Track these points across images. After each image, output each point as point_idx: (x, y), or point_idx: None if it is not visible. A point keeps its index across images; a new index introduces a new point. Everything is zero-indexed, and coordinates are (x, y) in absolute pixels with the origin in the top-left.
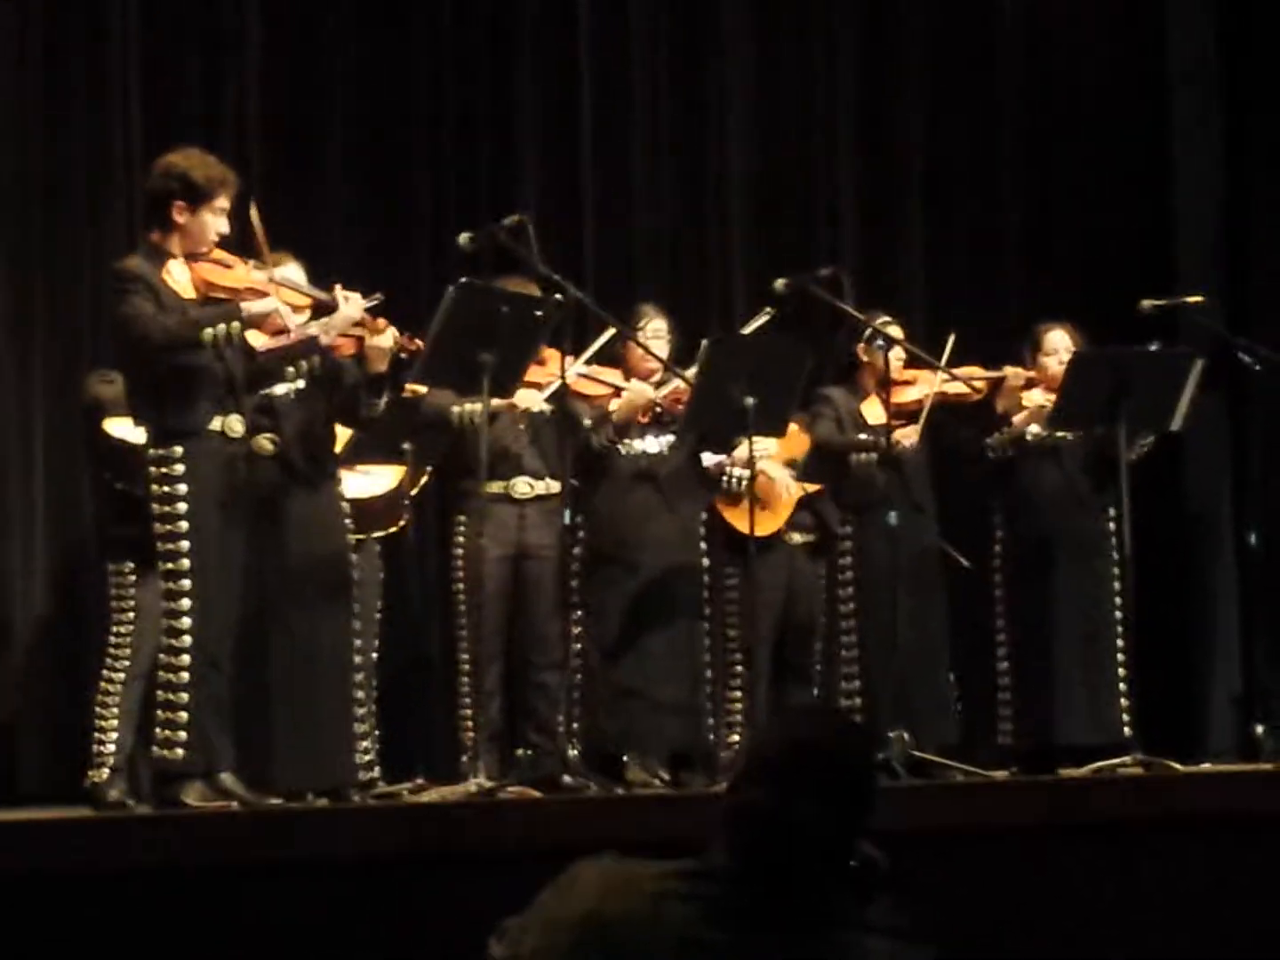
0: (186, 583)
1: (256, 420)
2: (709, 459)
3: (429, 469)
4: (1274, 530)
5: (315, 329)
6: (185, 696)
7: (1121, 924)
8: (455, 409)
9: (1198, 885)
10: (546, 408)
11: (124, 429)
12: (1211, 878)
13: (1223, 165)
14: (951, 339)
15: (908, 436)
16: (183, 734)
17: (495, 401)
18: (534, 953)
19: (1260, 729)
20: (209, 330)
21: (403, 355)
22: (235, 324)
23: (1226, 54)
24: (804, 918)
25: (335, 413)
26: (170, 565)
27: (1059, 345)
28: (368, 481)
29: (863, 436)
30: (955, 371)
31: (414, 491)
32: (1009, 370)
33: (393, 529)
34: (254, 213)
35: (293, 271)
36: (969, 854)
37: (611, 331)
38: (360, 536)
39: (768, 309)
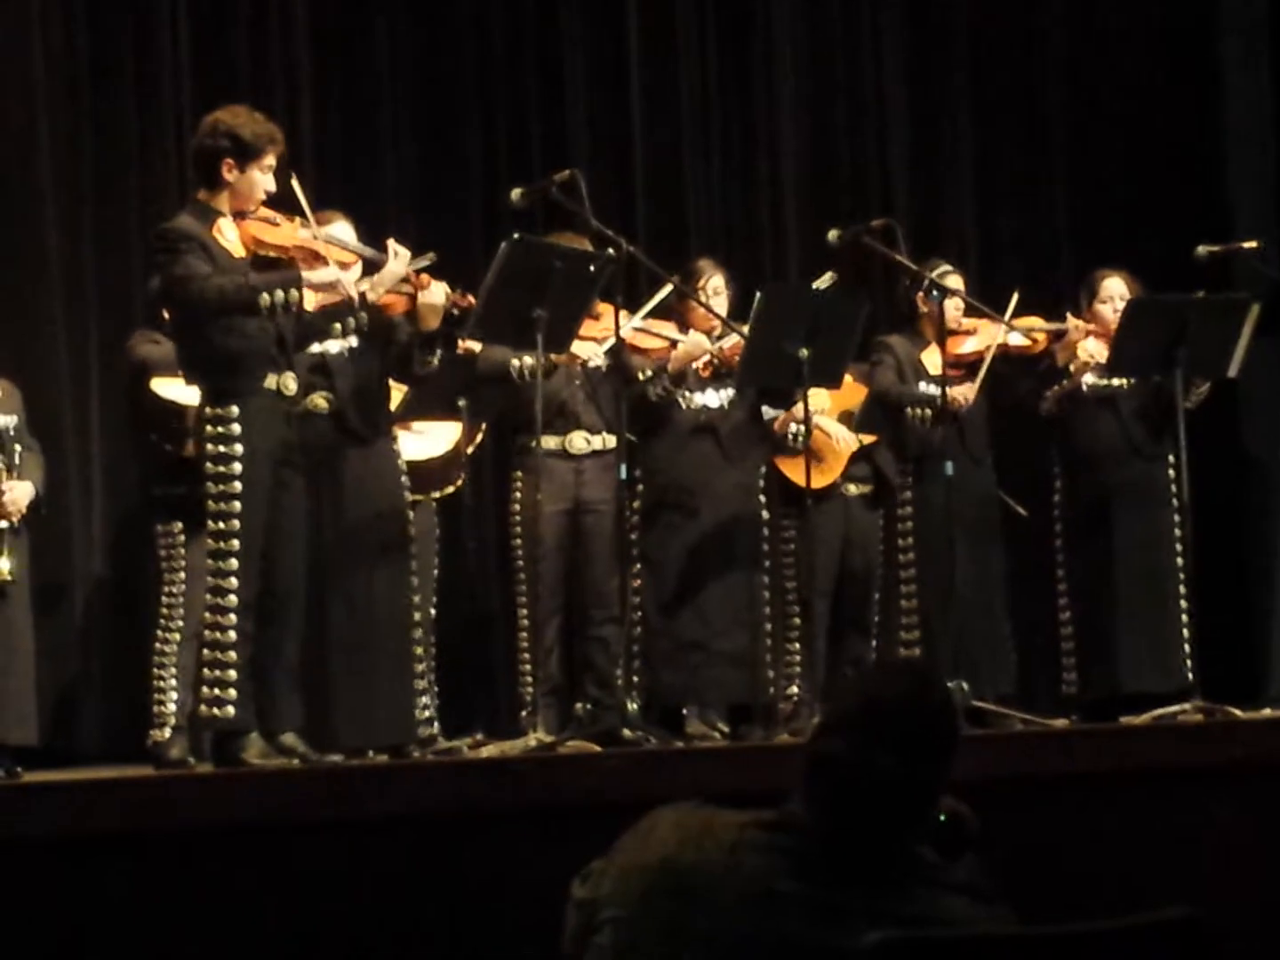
0: (235, 543)
1: (311, 379)
2: (769, 413)
3: (484, 427)
4: None
5: (363, 285)
6: (234, 655)
7: (1184, 873)
8: (515, 362)
9: (1261, 832)
10: (604, 361)
11: (171, 389)
12: (1275, 825)
13: (1275, 108)
14: (1015, 296)
15: (963, 394)
16: (232, 691)
17: (551, 356)
18: (611, 895)
19: None
20: (266, 296)
21: (454, 312)
22: (294, 291)
23: None
24: (880, 872)
25: (389, 370)
26: (220, 525)
27: (1115, 292)
28: (424, 443)
29: (923, 385)
30: (1016, 323)
31: (470, 450)
32: (1071, 322)
33: (449, 490)
34: (295, 182)
35: (341, 229)
36: (1030, 803)
37: (669, 288)
38: (417, 498)
39: (829, 274)
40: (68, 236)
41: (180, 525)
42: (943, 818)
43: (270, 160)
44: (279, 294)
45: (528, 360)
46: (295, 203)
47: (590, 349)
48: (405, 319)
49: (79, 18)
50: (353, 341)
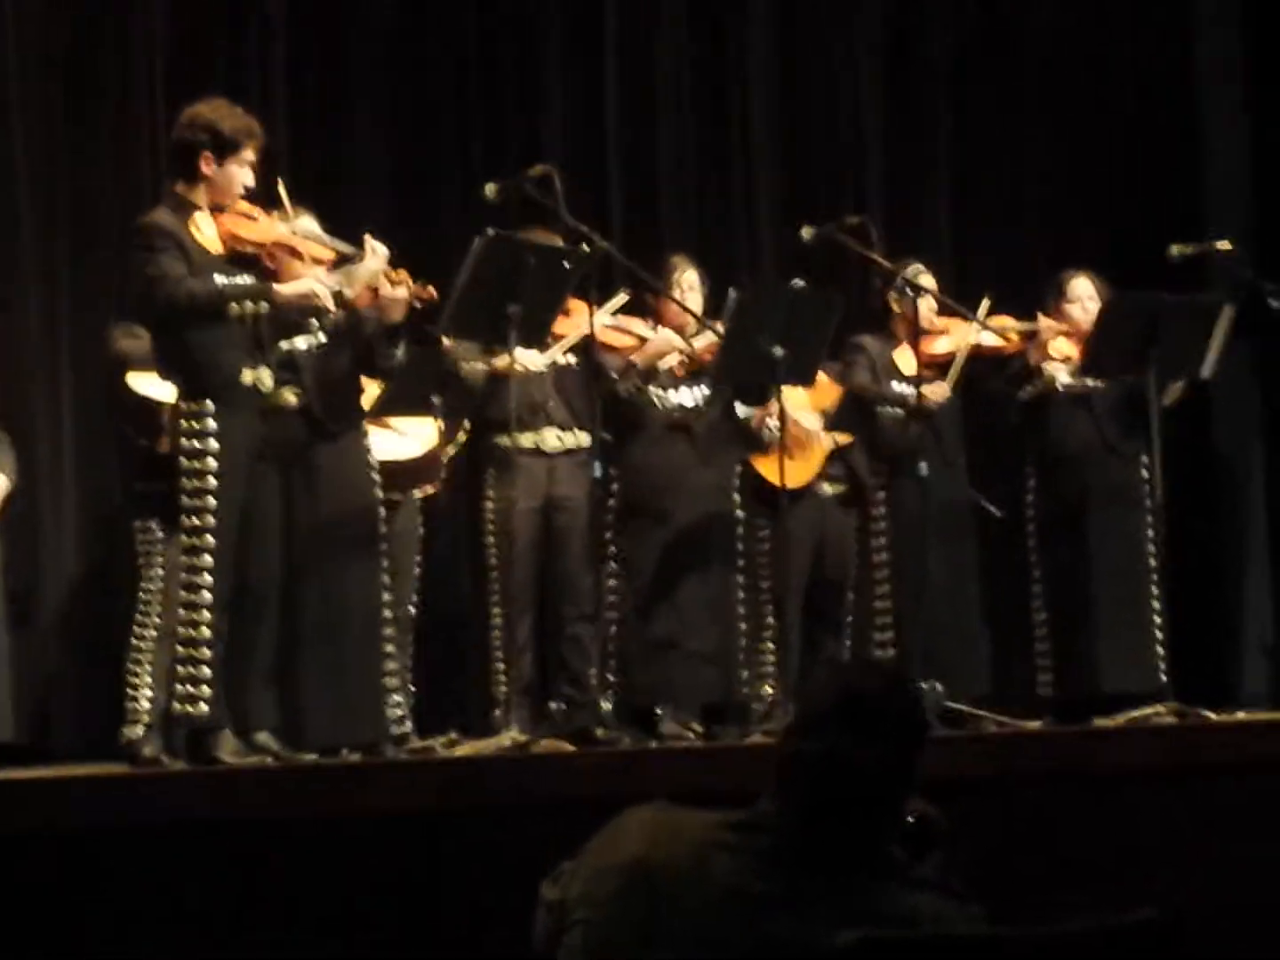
0: (210, 539)
1: (280, 374)
2: (743, 411)
3: (465, 428)
4: None
5: (338, 281)
6: (207, 653)
7: (1156, 874)
8: (464, 365)
9: (1232, 834)
10: (562, 360)
11: (147, 384)
12: (1246, 826)
13: (1249, 109)
14: (986, 303)
15: (936, 393)
16: (206, 689)
17: (497, 362)
18: (581, 897)
19: None
20: (235, 306)
21: (417, 305)
22: (264, 303)
23: None
24: (851, 871)
25: (355, 364)
26: (195, 521)
27: (1082, 293)
28: (403, 443)
29: (896, 385)
30: (988, 322)
31: (450, 450)
32: (1043, 321)
33: (429, 490)
34: (280, 186)
35: (308, 223)
36: (1003, 803)
37: (628, 292)
38: (396, 498)
39: (797, 280)
40: (41, 229)
41: (158, 522)
42: (911, 818)
43: (249, 154)
44: (248, 304)
45: (478, 366)
46: (275, 196)
47: (532, 356)
48: (370, 313)
49: (55, 10)
50: (321, 337)
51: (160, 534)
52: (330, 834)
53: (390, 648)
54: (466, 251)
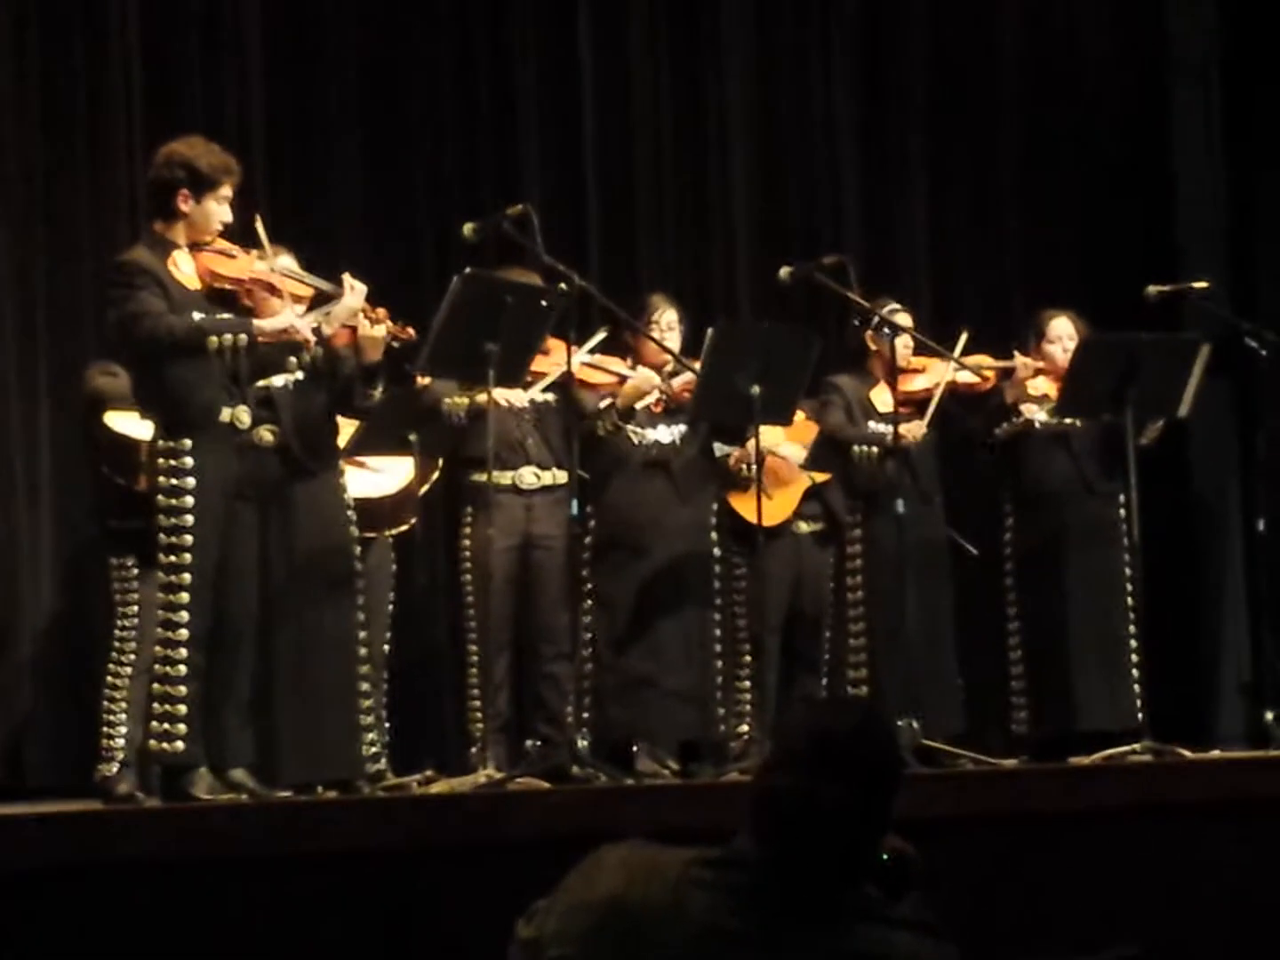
0: (186, 576)
1: (256, 412)
2: (720, 450)
3: (439, 466)
4: None
5: (317, 319)
6: (183, 690)
7: (1132, 912)
8: (446, 401)
9: (1208, 873)
10: (540, 398)
11: (125, 423)
12: (1222, 865)
13: (1225, 149)
14: (964, 336)
15: (913, 431)
16: (182, 726)
17: (480, 398)
18: (555, 935)
19: (1270, 716)
20: (214, 340)
21: (395, 344)
22: (243, 336)
23: (1227, 36)
24: (828, 909)
25: (333, 403)
26: (171, 559)
27: (1062, 333)
28: (378, 480)
29: (872, 424)
30: (965, 360)
31: (424, 489)
32: (1019, 360)
33: (402, 528)
34: (259, 221)
35: (286, 261)
36: (979, 842)
37: (602, 334)
38: (371, 535)
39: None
40: (18, 267)
41: (134, 559)
42: (887, 857)
43: (226, 191)
44: (227, 338)
45: (458, 400)
46: (253, 234)
47: (515, 394)
48: (348, 352)
49: (29, 45)
50: (298, 375)
51: (136, 571)
52: (305, 871)
53: (366, 685)
54: (445, 290)
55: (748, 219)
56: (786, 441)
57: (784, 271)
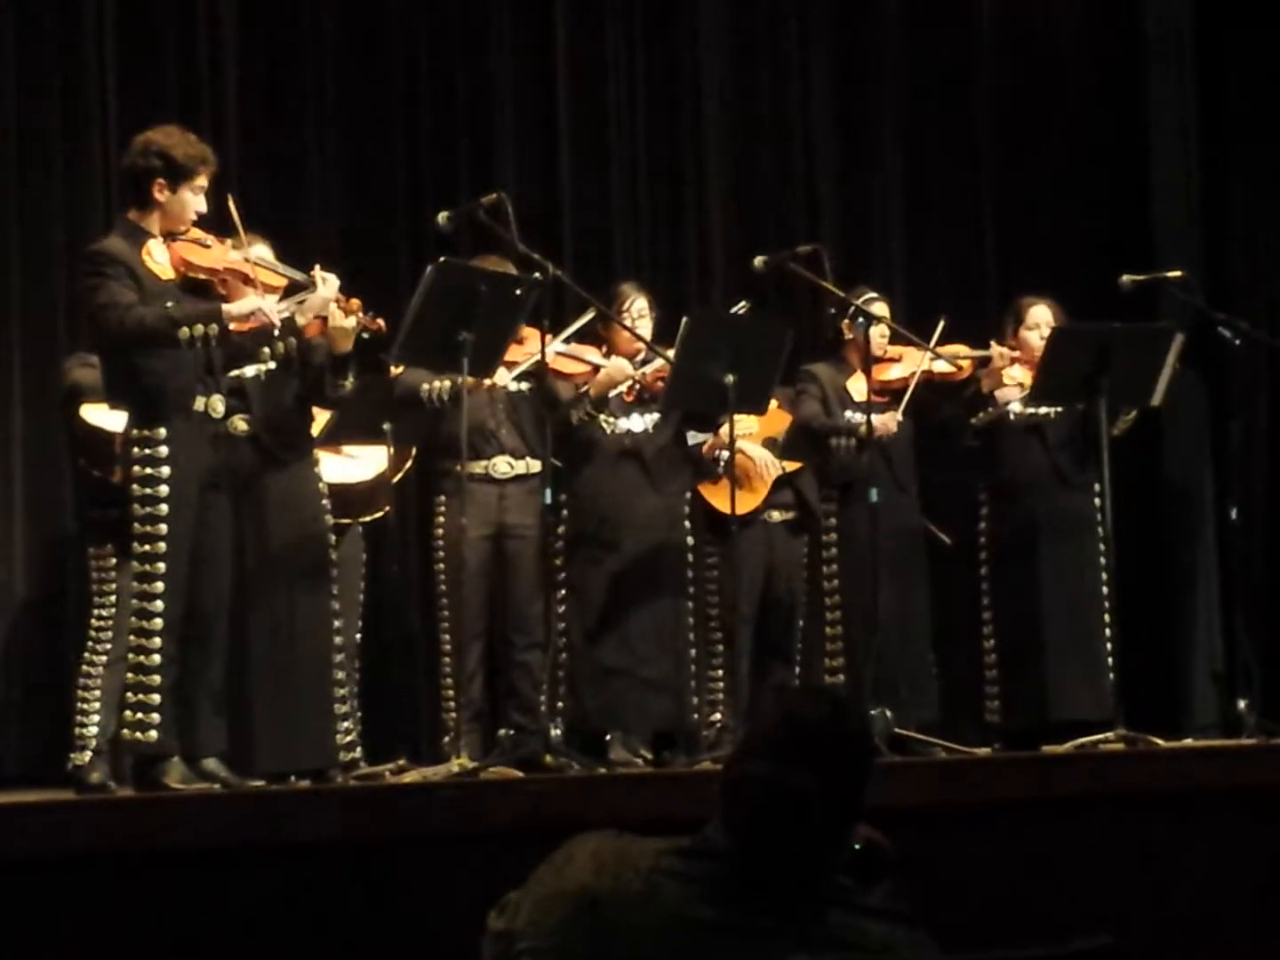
0: (161, 565)
1: (229, 402)
2: (694, 438)
3: (413, 454)
4: (1254, 506)
5: (290, 308)
6: (157, 679)
7: (1104, 901)
8: (425, 386)
9: (1181, 861)
10: (514, 386)
11: (99, 415)
12: (1195, 853)
13: (1199, 138)
14: (941, 324)
15: (887, 424)
16: (155, 716)
17: (465, 380)
18: (527, 926)
19: (1242, 705)
20: (186, 330)
21: (365, 334)
22: (215, 325)
23: (1201, 25)
24: (800, 898)
25: (304, 393)
26: (146, 548)
27: (1041, 320)
28: (352, 466)
29: (847, 414)
30: (940, 350)
31: (397, 477)
32: (995, 349)
33: (377, 514)
34: (232, 203)
35: (261, 250)
36: (953, 831)
37: (591, 314)
38: (344, 521)
39: (744, 302)
40: None
41: (111, 549)
42: (859, 846)
43: (202, 181)
44: (199, 328)
45: (437, 384)
46: (229, 223)
47: (500, 374)
48: (321, 341)
49: (3, 36)
50: (270, 365)
51: (114, 560)
52: (277, 861)
53: (339, 674)
54: (419, 280)
55: (722, 207)
56: (753, 443)
57: (758, 260)
